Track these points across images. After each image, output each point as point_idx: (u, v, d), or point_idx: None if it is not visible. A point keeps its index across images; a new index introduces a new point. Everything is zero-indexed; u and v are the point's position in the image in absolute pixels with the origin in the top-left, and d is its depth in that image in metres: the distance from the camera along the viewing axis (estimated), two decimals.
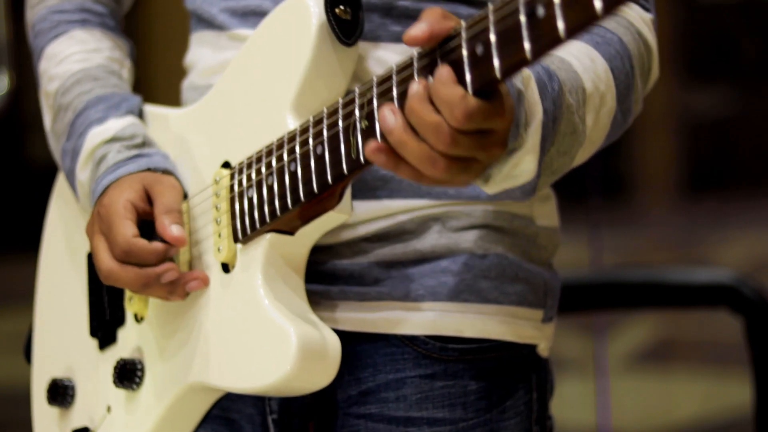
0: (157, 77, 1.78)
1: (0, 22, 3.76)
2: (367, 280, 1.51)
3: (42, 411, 1.71)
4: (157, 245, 1.46)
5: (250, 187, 1.45)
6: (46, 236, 1.77)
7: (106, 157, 1.56)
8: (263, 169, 1.43)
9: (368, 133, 1.30)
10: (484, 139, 1.24)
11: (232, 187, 1.47)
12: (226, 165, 1.50)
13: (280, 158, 1.41)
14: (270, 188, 1.42)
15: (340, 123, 1.34)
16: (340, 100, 1.35)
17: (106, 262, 1.48)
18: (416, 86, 1.24)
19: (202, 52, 1.62)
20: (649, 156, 9.26)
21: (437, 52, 1.25)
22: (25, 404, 1.74)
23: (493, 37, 1.19)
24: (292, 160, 1.39)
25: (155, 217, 1.49)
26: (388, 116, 1.25)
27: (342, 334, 1.49)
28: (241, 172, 1.47)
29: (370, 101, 1.30)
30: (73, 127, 1.61)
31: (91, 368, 1.64)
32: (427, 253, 1.52)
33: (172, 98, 1.67)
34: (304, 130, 1.39)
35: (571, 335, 4.59)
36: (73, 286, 1.68)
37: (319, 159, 1.36)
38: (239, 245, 1.47)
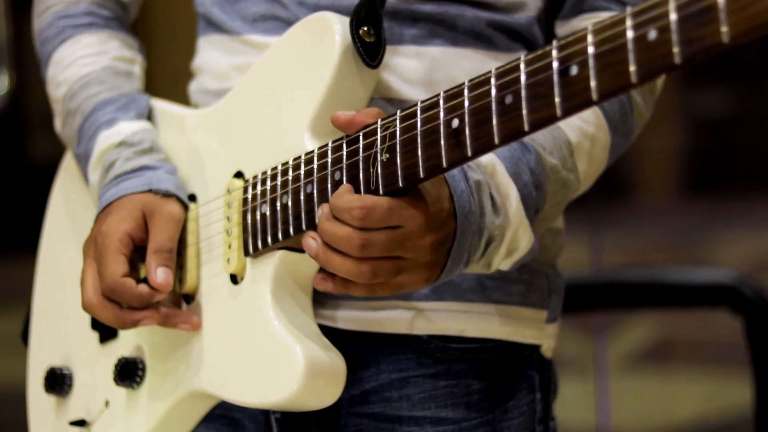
0: (156, 80, 1.77)
1: (0, 22, 3.76)
2: None
3: (37, 398, 1.70)
4: (142, 289, 1.47)
5: (264, 203, 1.44)
6: (48, 220, 1.76)
7: (114, 164, 1.56)
8: (278, 187, 1.42)
9: (388, 165, 1.30)
10: (396, 235, 1.29)
11: (245, 200, 1.47)
12: (238, 174, 1.50)
13: (296, 179, 1.40)
14: (284, 207, 1.41)
15: (361, 153, 1.34)
16: (362, 130, 1.35)
17: (90, 293, 1.49)
18: (322, 209, 1.31)
19: (213, 56, 1.62)
20: (649, 156, 9.26)
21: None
22: (24, 404, 1.74)
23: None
24: (309, 182, 1.39)
25: (147, 255, 1.49)
26: (311, 243, 1.32)
27: (345, 334, 1.50)
28: (255, 186, 1.46)
29: (393, 135, 1.31)
30: (82, 131, 1.62)
31: (90, 360, 1.64)
32: None
33: (174, 100, 1.66)
34: (323, 155, 1.38)
35: (571, 335, 4.58)
36: (76, 274, 1.68)
37: (337, 185, 1.35)
38: (249, 259, 1.47)
